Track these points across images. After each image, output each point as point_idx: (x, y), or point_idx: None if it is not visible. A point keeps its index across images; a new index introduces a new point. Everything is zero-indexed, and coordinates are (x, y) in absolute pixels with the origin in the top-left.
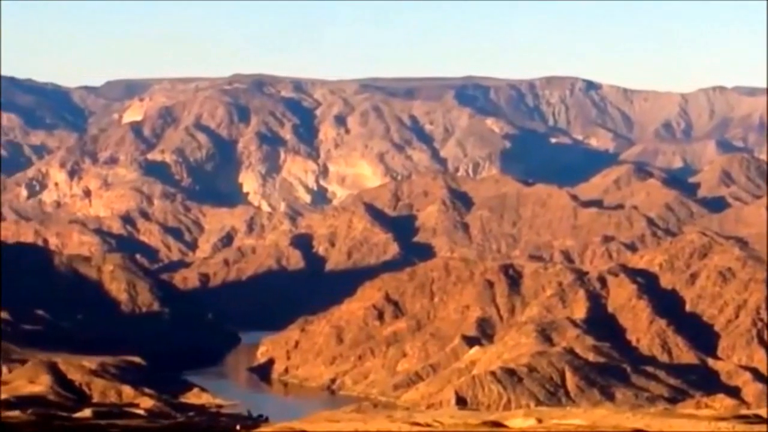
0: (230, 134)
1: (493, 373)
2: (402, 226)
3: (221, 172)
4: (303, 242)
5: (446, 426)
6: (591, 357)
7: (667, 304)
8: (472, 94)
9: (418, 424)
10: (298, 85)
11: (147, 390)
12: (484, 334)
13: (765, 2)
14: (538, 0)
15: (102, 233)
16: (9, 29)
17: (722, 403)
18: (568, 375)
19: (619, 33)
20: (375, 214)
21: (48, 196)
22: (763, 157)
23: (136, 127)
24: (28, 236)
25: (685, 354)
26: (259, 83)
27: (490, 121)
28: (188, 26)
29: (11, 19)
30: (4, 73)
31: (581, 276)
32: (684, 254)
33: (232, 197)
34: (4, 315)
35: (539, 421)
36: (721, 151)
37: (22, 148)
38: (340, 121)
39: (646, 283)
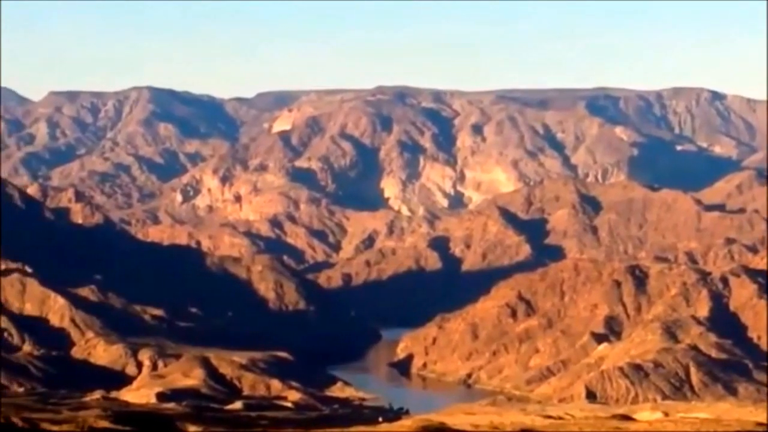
0: (373, 143)
1: (620, 369)
2: (534, 229)
3: (364, 178)
4: (440, 244)
5: (577, 419)
6: (714, 353)
7: None
8: (603, 104)
9: (550, 416)
10: (437, 96)
11: (294, 383)
12: (611, 331)
13: None
14: (668, 16)
15: (251, 236)
16: (171, 45)
17: None
18: (693, 370)
19: (745, 45)
20: (509, 217)
21: (201, 201)
22: None
23: (284, 136)
24: (182, 239)
25: None
26: (401, 94)
27: (618, 130)
28: (335, 41)
29: (172, 36)
30: (163, 86)
31: (704, 276)
32: None
33: (374, 202)
34: (160, 312)
35: (665, 414)
36: None
37: (177, 156)
38: (477, 129)
39: (767, 283)
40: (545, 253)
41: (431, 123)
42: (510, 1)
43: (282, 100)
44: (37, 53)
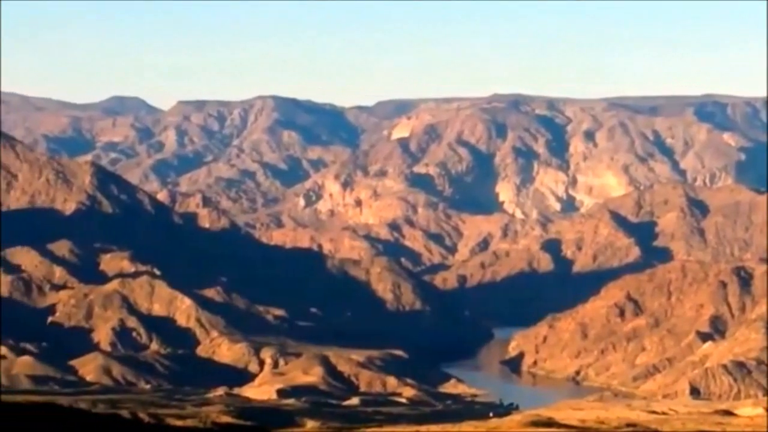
0: (488, 149)
1: (724, 366)
2: (643, 232)
3: (479, 183)
4: (553, 246)
5: (680, 414)
6: None
7: None
8: (711, 110)
9: (655, 412)
10: (550, 103)
11: (409, 380)
12: (716, 330)
13: None
14: None
15: (371, 239)
16: (293, 55)
17: None
18: None
19: None
20: (619, 220)
21: (323, 206)
22: None
23: (403, 143)
24: (304, 241)
25: None
26: (516, 102)
27: (726, 136)
28: (450, 51)
29: (295, 47)
30: (286, 94)
31: None
32: None
33: (489, 206)
34: (282, 312)
35: (767, 410)
36: None
37: (300, 162)
38: (589, 136)
39: None
40: (654, 255)
41: (545, 129)
42: (617, 12)
43: (401, 108)
44: (166, 65)
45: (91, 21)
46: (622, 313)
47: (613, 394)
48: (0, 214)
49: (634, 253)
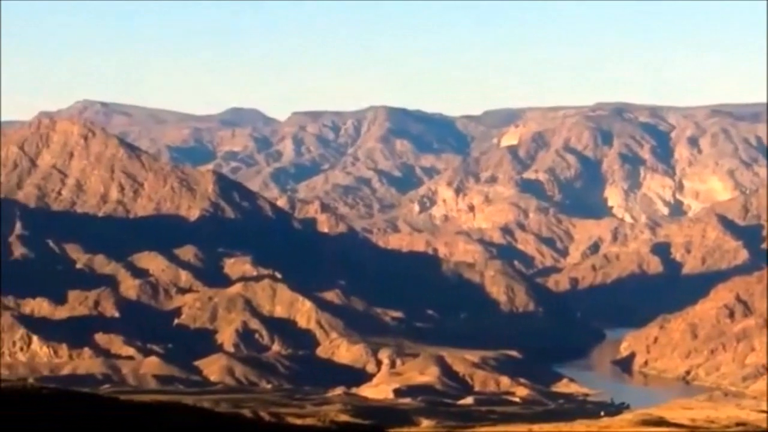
0: (595, 155)
1: None
2: (751, 235)
3: (588, 188)
4: (662, 250)
5: None
6: None
7: None
8: None
9: (764, 411)
10: (654, 111)
11: (522, 380)
12: None
13: None
14: None
15: (484, 243)
16: (404, 67)
17: None
18: None
19: None
20: (726, 224)
21: (437, 211)
22: None
23: (512, 150)
24: (419, 246)
25: None
26: (620, 110)
27: None
28: (555, 60)
29: (405, 59)
30: (397, 105)
31: None
32: None
33: (598, 210)
34: (399, 314)
35: None
36: None
37: (414, 170)
38: (693, 142)
39: None
40: (762, 257)
41: (649, 136)
42: (717, 20)
43: (509, 116)
44: (281, 77)
45: (210, 39)
46: (731, 314)
47: (723, 394)
48: (128, 221)
49: (742, 255)
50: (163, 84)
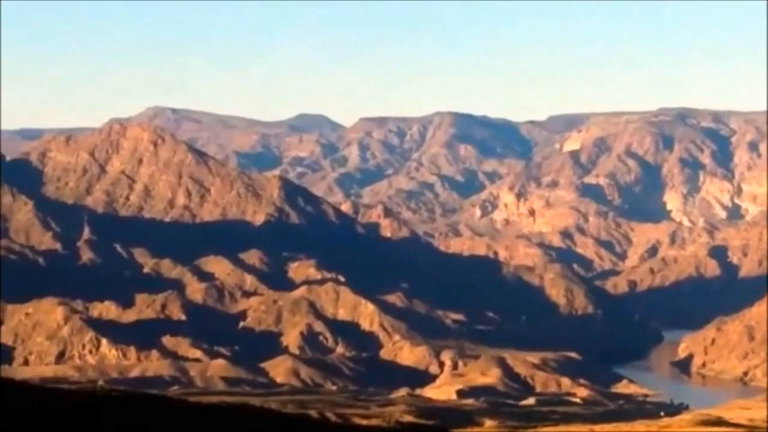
0: (656, 160)
1: None
2: None
3: (648, 192)
4: (719, 253)
5: None
6: None
7: None
8: None
9: None
10: (716, 116)
11: (582, 381)
12: None
13: None
14: None
15: (544, 246)
16: (470, 73)
17: None
18: None
19: None
20: None
21: (498, 215)
22: None
23: (574, 155)
24: (480, 249)
25: None
26: (682, 115)
27: None
28: (618, 66)
29: (471, 64)
30: (463, 110)
31: None
32: None
33: (657, 214)
34: (461, 317)
35: None
36: None
37: (476, 175)
38: (753, 147)
39: None
40: None
41: (710, 141)
42: None
43: (571, 122)
44: (348, 84)
45: (278, 47)
46: None
47: None
48: (194, 226)
49: None
50: (232, 90)
